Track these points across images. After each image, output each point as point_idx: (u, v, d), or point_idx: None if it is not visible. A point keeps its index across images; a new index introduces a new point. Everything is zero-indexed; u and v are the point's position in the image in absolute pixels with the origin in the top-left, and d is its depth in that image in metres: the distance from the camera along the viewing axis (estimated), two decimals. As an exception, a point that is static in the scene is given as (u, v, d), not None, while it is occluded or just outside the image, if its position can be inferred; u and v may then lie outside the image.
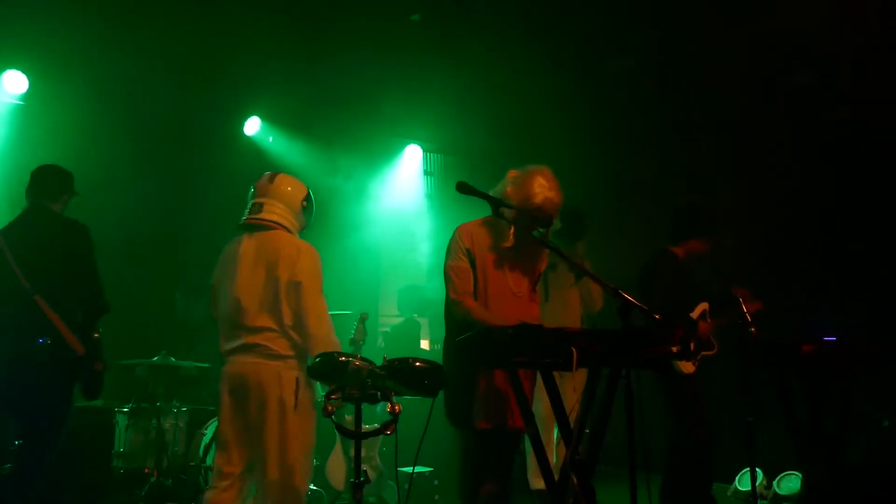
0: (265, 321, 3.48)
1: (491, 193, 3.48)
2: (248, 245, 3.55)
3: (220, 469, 3.51)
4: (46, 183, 4.20)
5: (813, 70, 6.19)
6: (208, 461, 4.91)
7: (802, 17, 5.65)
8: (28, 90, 6.10)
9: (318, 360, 3.10)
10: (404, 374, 2.98)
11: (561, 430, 3.15)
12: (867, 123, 5.91)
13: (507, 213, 3.42)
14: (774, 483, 5.87)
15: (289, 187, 3.64)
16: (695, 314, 4.77)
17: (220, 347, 3.60)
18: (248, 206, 3.62)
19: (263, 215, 3.56)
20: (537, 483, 5.05)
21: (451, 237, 3.53)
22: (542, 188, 3.39)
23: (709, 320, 4.77)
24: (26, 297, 3.90)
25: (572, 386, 5.01)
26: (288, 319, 3.48)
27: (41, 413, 4.00)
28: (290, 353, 3.51)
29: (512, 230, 3.43)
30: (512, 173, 3.50)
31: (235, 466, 3.50)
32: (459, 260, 3.45)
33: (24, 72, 6.05)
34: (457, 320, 3.44)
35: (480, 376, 3.34)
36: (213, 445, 4.88)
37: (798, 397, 4.32)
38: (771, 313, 4.75)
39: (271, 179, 3.63)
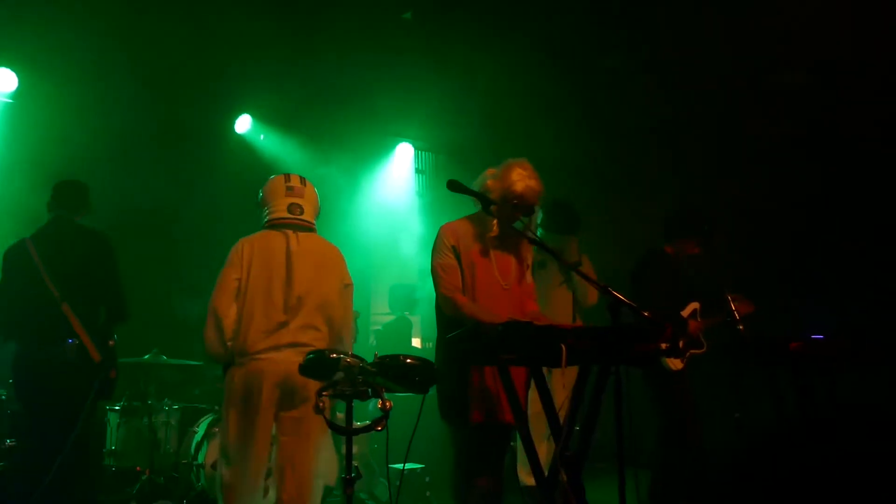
0: (318, 321, 3.63)
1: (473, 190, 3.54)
2: (296, 243, 3.66)
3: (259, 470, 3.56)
4: (68, 198, 4.46)
5: (805, 68, 6.24)
6: (200, 459, 4.91)
7: (793, 14, 5.70)
8: (18, 88, 6.07)
9: (310, 356, 3.11)
10: (395, 370, 3.00)
11: (550, 427, 3.17)
12: (859, 121, 5.96)
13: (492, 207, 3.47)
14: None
15: (315, 193, 3.85)
16: (685, 312, 4.81)
17: (247, 341, 3.55)
18: (286, 205, 3.70)
19: (306, 217, 3.73)
20: (527, 479, 5.08)
21: (436, 237, 3.57)
22: (522, 177, 3.44)
23: (699, 319, 4.81)
24: (55, 304, 4.15)
25: (562, 383, 5.04)
26: (337, 320, 3.70)
27: (60, 414, 4.13)
28: None
29: (496, 221, 3.47)
30: (490, 170, 3.56)
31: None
32: (446, 257, 3.49)
33: (13, 70, 6.03)
34: (447, 316, 3.46)
35: (473, 371, 3.36)
36: (206, 443, 4.90)
37: (787, 394, 4.37)
38: (761, 312, 4.80)
39: (304, 183, 3.80)
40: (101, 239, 4.40)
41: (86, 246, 4.35)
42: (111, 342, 4.34)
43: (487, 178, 3.51)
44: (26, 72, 6.06)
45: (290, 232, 3.68)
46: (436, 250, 3.54)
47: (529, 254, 3.69)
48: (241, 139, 7.29)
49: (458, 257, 3.49)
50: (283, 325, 3.56)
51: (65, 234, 4.36)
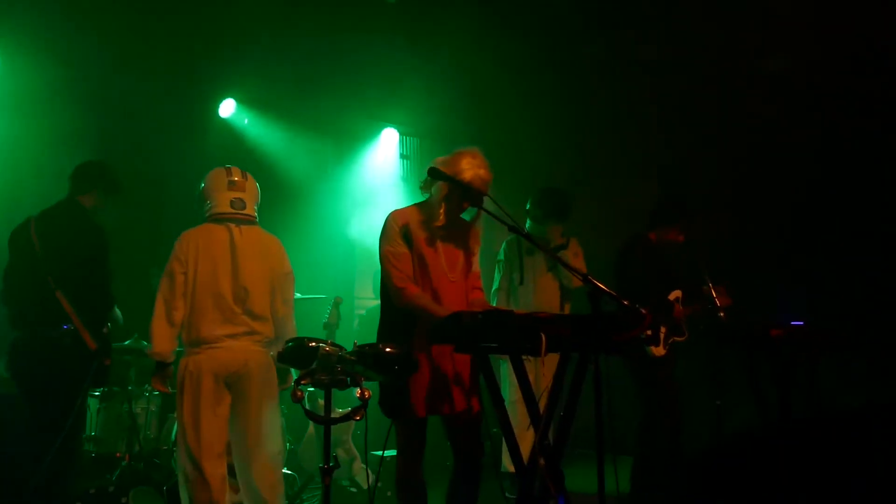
0: (265, 310, 3.85)
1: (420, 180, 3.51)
2: (239, 236, 3.84)
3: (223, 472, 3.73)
4: (75, 178, 4.46)
5: (788, 56, 6.24)
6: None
7: (779, 2, 5.70)
8: (-2, 72, 5.99)
9: (289, 345, 3.15)
10: (374, 359, 3.00)
11: (530, 415, 3.17)
12: (843, 112, 5.97)
13: (439, 191, 3.40)
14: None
15: (256, 186, 4.00)
16: (669, 299, 4.83)
17: (201, 332, 3.73)
18: (228, 199, 3.85)
19: (248, 211, 3.90)
20: (510, 466, 5.10)
21: (384, 222, 3.47)
22: (471, 165, 3.36)
23: (681, 307, 4.83)
24: (49, 289, 4.15)
25: (542, 371, 5.06)
26: (279, 308, 3.91)
27: (58, 399, 4.14)
28: (271, 338, 3.90)
29: (443, 209, 3.39)
30: (439, 158, 3.47)
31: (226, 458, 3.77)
32: (396, 245, 3.39)
33: (-8, 50, 5.94)
34: (397, 306, 3.36)
35: (422, 363, 3.28)
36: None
37: (766, 381, 4.39)
38: (742, 300, 4.82)
39: (245, 176, 3.95)
40: (94, 229, 4.37)
41: (80, 234, 4.33)
42: (105, 330, 4.36)
43: (437, 166, 3.41)
44: (4, 55, 5.97)
45: (232, 226, 3.85)
46: (385, 237, 3.42)
47: (477, 244, 3.61)
48: (224, 123, 7.22)
49: (409, 245, 3.41)
50: (235, 314, 3.76)
51: (62, 217, 4.34)
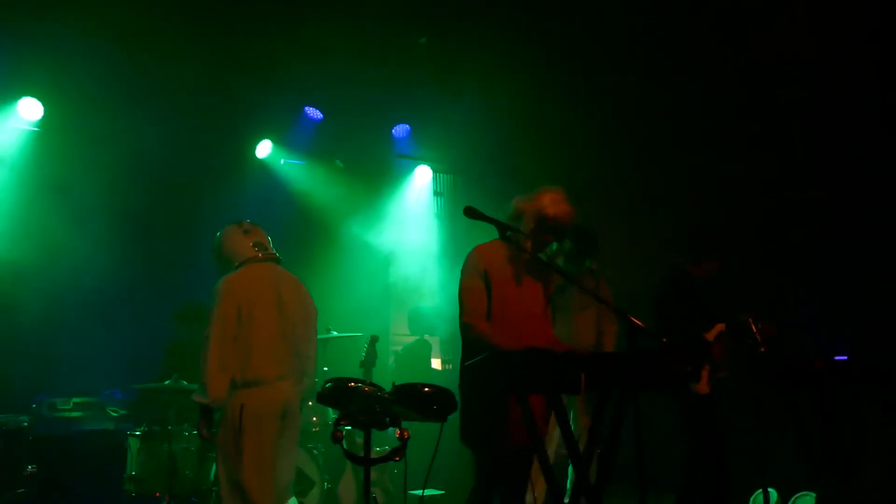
0: (303, 348, 3.94)
1: (502, 217, 3.53)
2: (278, 275, 3.94)
3: None
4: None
5: (814, 85, 6.19)
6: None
7: (801, 32, 5.68)
8: (43, 117, 6.18)
9: (328, 385, 3.14)
10: (413, 399, 3.00)
11: (569, 453, 3.14)
12: (872, 137, 5.90)
13: (524, 227, 3.47)
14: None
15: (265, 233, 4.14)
16: (711, 335, 4.75)
17: (259, 371, 3.75)
18: (250, 244, 3.94)
19: (272, 252, 4.01)
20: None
21: (466, 258, 3.56)
22: (554, 200, 3.45)
23: (725, 342, 4.75)
24: None
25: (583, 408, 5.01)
26: (312, 347, 4.02)
27: None
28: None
29: (529, 244, 3.46)
30: (520, 196, 3.55)
31: None
32: (474, 280, 3.46)
33: (38, 99, 6.13)
34: (468, 340, 3.45)
35: (502, 397, 3.33)
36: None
37: (811, 416, 4.30)
38: (785, 332, 4.73)
39: (254, 224, 4.08)
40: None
41: None
42: None
43: (520, 202, 3.51)
44: (51, 101, 6.16)
45: (269, 264, 3.94)
46: (464, 272, 3.52)
47: (553, 282, 3.68)
48: (261, 164, 7.35)
49: (487, 281, 3.46)
50: (285, 353, 3.82)
51: None
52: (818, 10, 5.56)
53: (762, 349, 4.49)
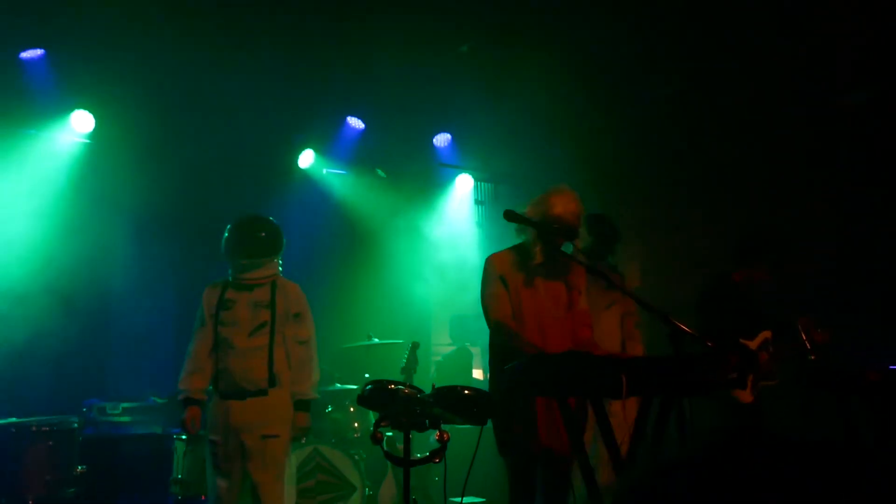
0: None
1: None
2: None
3: None
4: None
5: (869, 89, 6.04)
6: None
7: (857, 33, 5.55)
8: (94, 129, 6.32)
9: (369, 388, 3.14)
10: (452, 401, 2.99)
11: (611, 459, 3.10)
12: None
13: (531, 232, 3.45)
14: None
15: None
16: (756, 342, 4.65)
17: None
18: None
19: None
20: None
21: (483, 267, 3.56)
22: (560, 201, 3.42)
23: (771, 349, 4.64)
24: None
25: (623, 415, 4.92)
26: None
27: None
28: None
29: (539, 247, 3.43)
30: (531, 200, 3.54)
31: None
32: (496, 286, 3.48)
33: (90, 111, 6.28)
34: (499, 346, 3.42)
35: (539, 402, 3.31)
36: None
37: (863, 427, 4.17)
38: (837, 341, 4.60)
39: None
40: None
41: None
42: None
43: (527, 207, 3.50)
44: (102, 113, 6.32)
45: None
46: (485, 281, 3.54)
47: (582, 279, 3.62)
48: (304, 174, 7.43)
49: (506, 287, 3.47)
50: None
51: None
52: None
53: (812, 356, 4.37)
